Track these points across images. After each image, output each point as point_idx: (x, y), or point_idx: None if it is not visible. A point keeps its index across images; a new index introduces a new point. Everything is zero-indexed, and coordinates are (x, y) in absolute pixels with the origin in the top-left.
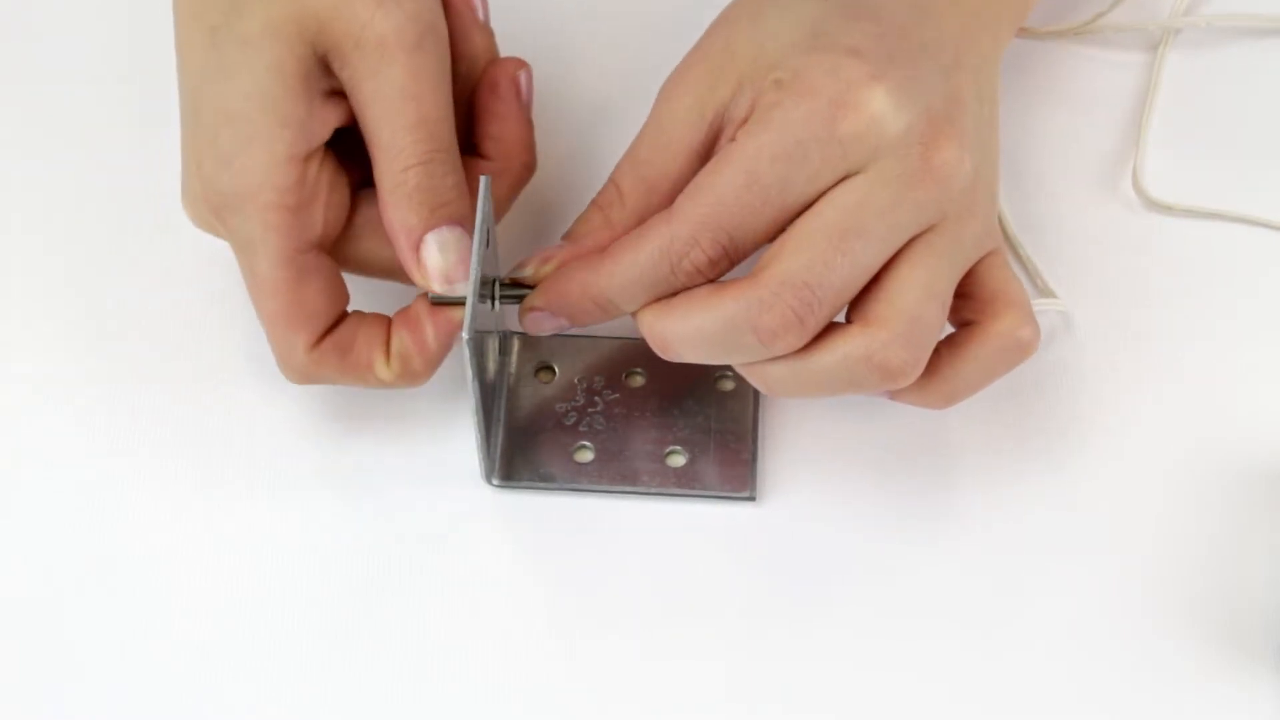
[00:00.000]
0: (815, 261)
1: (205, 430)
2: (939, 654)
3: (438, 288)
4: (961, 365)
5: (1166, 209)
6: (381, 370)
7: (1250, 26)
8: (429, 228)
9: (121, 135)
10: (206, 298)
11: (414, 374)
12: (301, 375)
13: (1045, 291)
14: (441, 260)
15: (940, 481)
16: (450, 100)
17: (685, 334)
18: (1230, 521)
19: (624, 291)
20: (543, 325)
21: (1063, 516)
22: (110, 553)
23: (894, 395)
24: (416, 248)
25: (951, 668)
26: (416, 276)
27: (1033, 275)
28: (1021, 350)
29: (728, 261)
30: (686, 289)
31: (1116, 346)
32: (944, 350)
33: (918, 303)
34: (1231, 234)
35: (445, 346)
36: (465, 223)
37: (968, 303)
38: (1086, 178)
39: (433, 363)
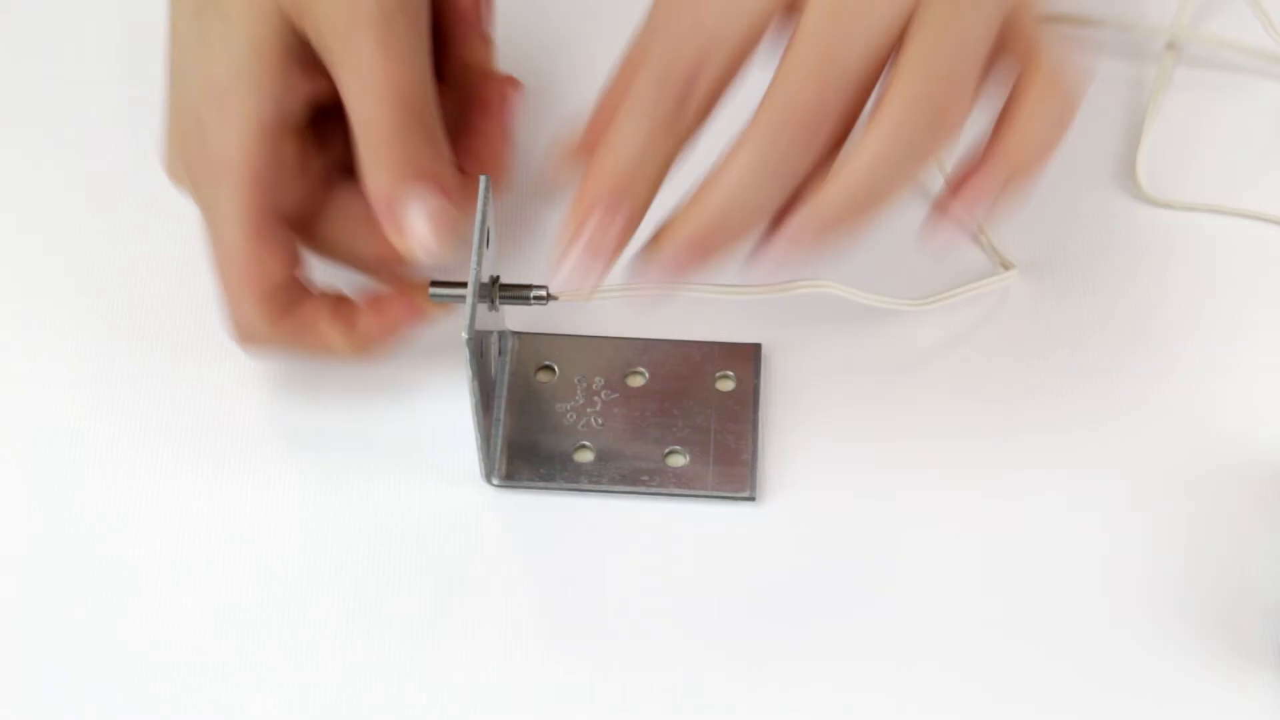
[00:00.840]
0: (825, 33)
1: (204, 430)
2: (939, 654)
3: (419, 255)
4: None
5: (1165, 204)
6: (330, 335)
7: (1241, 59)
8: (403, 191)
9: (117, 135)
10: (204, 297)
11: (362, 341)
12: (250, 336)
13: (1005, 264)
14: (422, 226)
15: (940, 482)
16: (428, 76)
17: (740, 186)
18: (1230, 521)
19: (641, 154)
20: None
21: (1062, 516)
22: (109, 552)
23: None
24: (392, 209)
25: (951, 667)
26: (396, 241)
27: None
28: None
29: (715, 64)
30: (696, 102)
31: (1115, 346)
32: (1009, 104)
33: (941, 44)
34: (1234, 230)
35: (402, 323)
36: (450, 194)
37: (1008, 58)
38: (1087, 172)
39: (386, 332)
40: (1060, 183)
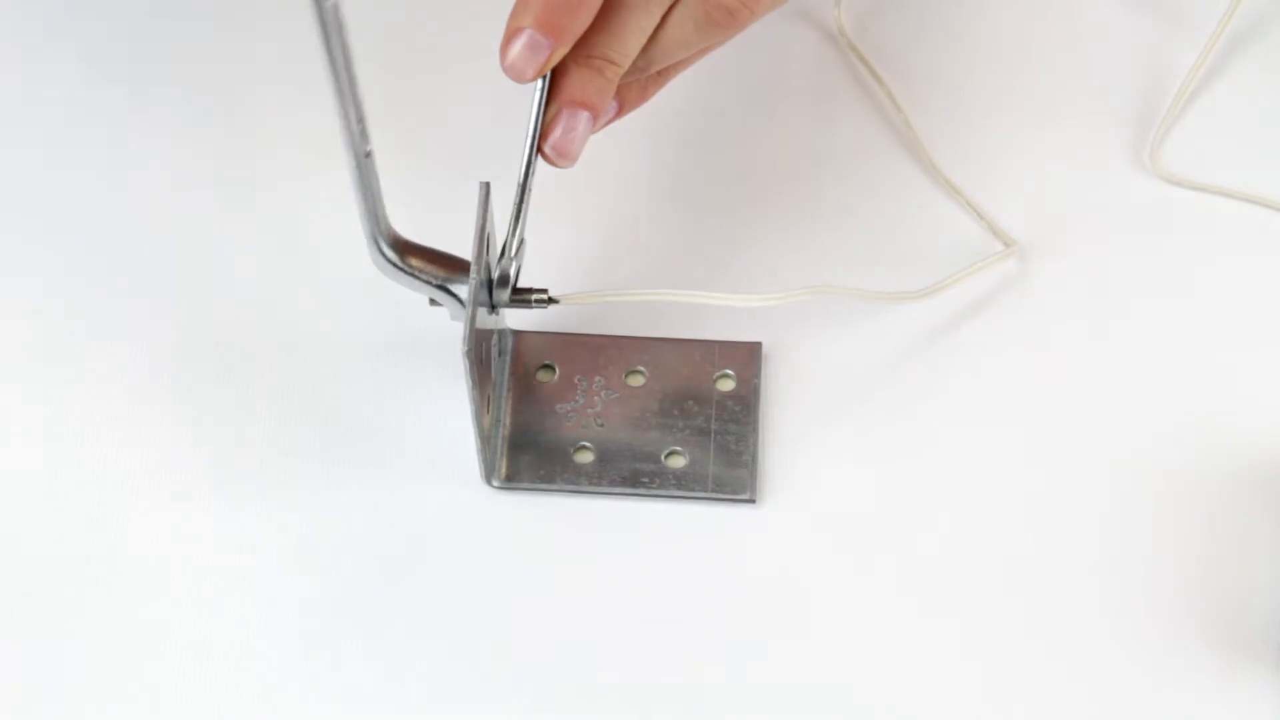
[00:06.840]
0: None
1: (205, 431)
2: (939, 654)
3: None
4: None
5: (1179, 184)
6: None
7: None
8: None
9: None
10: (203, 299)
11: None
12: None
13: (1007, 241)
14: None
15: (939, 482)
16: None
17: None
18: (1230, 522)
19: None
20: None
21: (1062, 516)
22: (110, 553)
23: None
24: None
25: (951, 668)
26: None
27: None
28: None
29: None
30: None
31: (1116, 345)
32: None
33: None
34: (1249, 218)
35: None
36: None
37: None
38: (1098, 146)
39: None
40: (1067, 156)
